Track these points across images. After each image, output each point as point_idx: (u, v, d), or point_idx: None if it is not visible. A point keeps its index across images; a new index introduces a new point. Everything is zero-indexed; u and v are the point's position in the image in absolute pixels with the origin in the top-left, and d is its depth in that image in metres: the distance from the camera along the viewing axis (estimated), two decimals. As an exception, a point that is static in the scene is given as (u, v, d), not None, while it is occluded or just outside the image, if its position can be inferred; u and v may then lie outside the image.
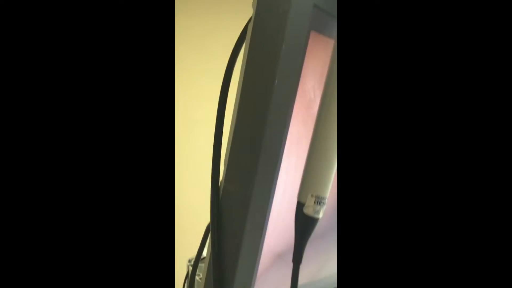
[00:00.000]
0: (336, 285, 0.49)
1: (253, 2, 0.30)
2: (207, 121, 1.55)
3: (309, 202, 0.30)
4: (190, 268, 0.55)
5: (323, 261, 0.48)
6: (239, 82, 0.32)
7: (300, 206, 0.31)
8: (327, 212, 0.37)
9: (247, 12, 0.31)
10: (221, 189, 0.34)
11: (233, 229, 0.34)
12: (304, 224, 0.31)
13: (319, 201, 0.30)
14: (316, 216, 0.30)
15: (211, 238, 0.34)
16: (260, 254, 0.35)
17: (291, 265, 0.35)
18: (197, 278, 0.49)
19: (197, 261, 0.49)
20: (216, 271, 0.34)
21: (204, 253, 0.47)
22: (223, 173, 0.34)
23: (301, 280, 0.42)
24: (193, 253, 0.51)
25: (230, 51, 0.35)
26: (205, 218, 0.47)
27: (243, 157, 0.32)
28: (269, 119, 0.31)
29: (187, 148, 1.75)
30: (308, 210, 0.30)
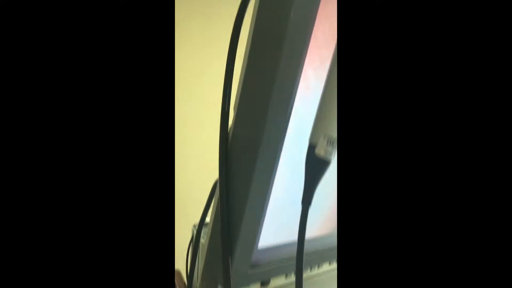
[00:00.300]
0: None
1: None
2: (209, 82, 1.52)
3: (321, 142, 0.29)
4: (195, 232, 0.54)
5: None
6: (251, 24, 0.31)
7: (311, 148, 0.30)
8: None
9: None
10: (230, 135, 0.33)
11: (242, 176, 0.33)
12: (315, 167, 0.30)
13: (331, 142, 0.29)
14: (328, 158, 0.30)
15: (220, 185, 0.34)
16: (268, 200, 0.34)
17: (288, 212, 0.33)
18: (201, 241, 0.49)
19: (202, 222, 0.48)
20: (223, 219, 0.33)
21: (208, 220, 0.46)
22: (233, 118, 0.33)
23: (311, 233, 0.41)
24: (198, 219, 0.51)
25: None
26: (210, 186, 0.46)
27: (254, 100, 0.31)
28: (283, 58, 0.30)
29: (189, 112, 1.73)
30: (319, 151, 0.29)
